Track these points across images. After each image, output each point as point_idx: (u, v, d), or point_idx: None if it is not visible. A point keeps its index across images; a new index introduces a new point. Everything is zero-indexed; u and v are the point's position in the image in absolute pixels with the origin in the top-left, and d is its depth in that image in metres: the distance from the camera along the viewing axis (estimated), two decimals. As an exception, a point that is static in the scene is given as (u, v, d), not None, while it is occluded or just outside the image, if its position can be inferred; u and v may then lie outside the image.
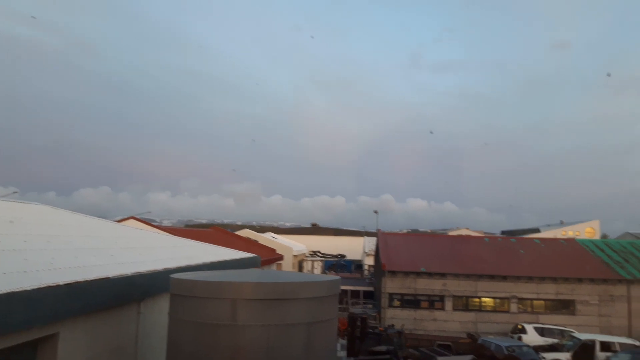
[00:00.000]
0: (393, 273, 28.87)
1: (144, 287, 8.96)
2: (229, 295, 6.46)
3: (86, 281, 6.95)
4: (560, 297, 28.46)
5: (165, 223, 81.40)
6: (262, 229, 78.54)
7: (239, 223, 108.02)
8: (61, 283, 6.34)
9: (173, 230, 28.38)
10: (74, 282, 6.62)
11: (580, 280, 28.53)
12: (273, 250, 39.87)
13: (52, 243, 8.76)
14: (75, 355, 6.95)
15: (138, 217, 33.46)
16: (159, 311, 9.64)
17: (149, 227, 27.76)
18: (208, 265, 12.39)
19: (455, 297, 28.58)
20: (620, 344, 22.37)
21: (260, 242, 44.61)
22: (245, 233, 52.04)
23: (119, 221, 26.88)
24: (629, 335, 26.38)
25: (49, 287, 6.06)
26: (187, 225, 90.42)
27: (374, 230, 50.03)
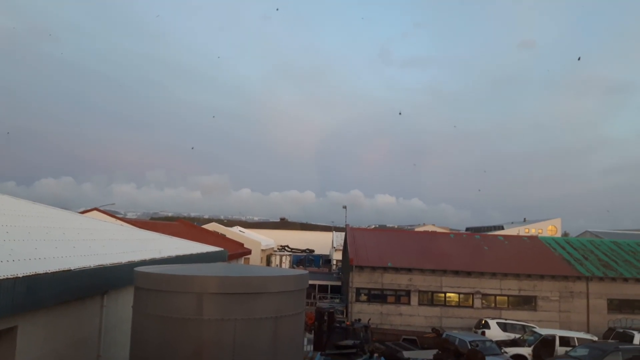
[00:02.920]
0: (360, 268, 29.07)
1: (107, 280, 8.76)
2: (195, 289, 6.37)
3: (47, 273, 6.75)
4: (523, 293, 29.16)
5: (130, 215, 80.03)
6: (229, 223, 78.05)
7: (206, 217, 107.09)
8: (20, 275, 6.14)
9: (138, 223, 27.89)
10: (34, 274, 6.42)
11: (542, 277, 29.29)
12: (241, 244, 39.62)
13: (12, 234, 8.47)
14: (34, 349, 6.75)
15: (102, 208, 32.75)
16: (123, 304, 9.45)
17: (113, 219, 27.20)
18: (174, 258, 12.21)
19: (421, 292, 28.98)
20: (579, 339, 23.08)
21: (228, 236, 44.27)
22: (212, 227, 51.61)
23: (82, 212, 26.26)
24: (587, 331, 27.27)
25: (7, 279, 5.86)
26: (152, 218, 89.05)
27: (342, 226, 50.34)
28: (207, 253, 15.52)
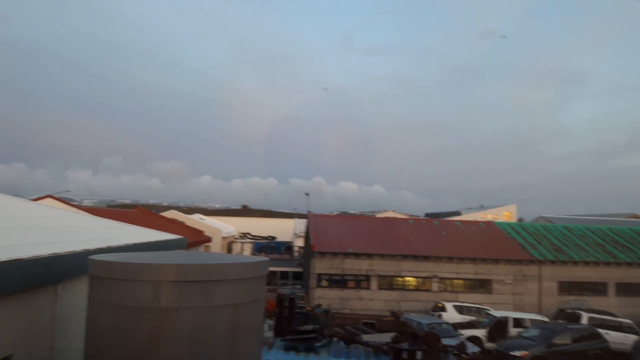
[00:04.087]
0: (322, 254, 29.29)
1: (61, 269, 8.55)
2: (152, 277, 6.28)
3: (-4, 263, 6.54)
4: (479, 276, 30.03)
5: (86, 203, 77.97)
6: (189, 211, 77.13)
7: (165, 204, 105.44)
8: (-33, 265, 5.93)
9: (94, 211, 27.21)
10: (-19, 264, 6.21)
11: (497, 261, 30.21)
12: (201, 232, 39.21)
13: (-42, 223, 8.15)
14: (-17, 341, 6.55)
15: (56, 196, 31.78)
16: (77, 294, 9.25)
17: (67, 207, 26.46)
18: (130, 246, 12.00)
19: (381, 277, 29.47)
20: (531, 320, 24.02)
21: (188, 223, 43.73)
22: (171, 214, 50.84)
23: (34, 200, 25.42)
24: (539, 312, 28.37)
25: (-47, 269, 5.65)
26: (109, 206, 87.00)
27: (305, 213, 50.40)
28: (166, 241, 15.31)
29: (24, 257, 7.39)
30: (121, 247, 11.42)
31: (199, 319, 6.34)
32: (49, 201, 28.19)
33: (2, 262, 6.71)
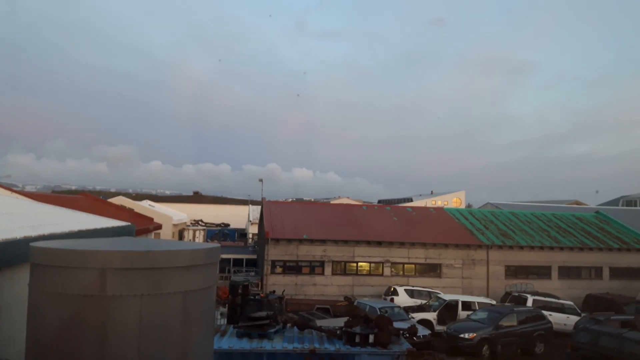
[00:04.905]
0: (276, 240, 29.21)
1: (1, 257, 8.14)
2: (97, 265, 6.04)
3: None
4: (429, 261, 30.70)
5: (29, 188, 74.83)
6: (138, 197, 75.31)
7: (113, 190, 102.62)
8: None
9: (37, 197, 26.09)
10: None
11: (446, 246, 30.95)
12: (150, 219, 38.29)
13: None
14: None
15: (-4, 181, 30.26)
16: (19, 283, 8.82)
17: (8, 193, 25.26)
18: (75, 233, 11.56)
19: (335, 262, 29.69)
20: (479, 303, 24.77)
21: (136, 210, 42.63)
22: (119, 200, 49.50)
23: (-28, 186, 24.12)
24: (487, 295, 29.34)
25: None
26: (54, 191, 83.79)
27: (259, 199, 50.08)
28: (113, 227, 14.85)
29: (-42, 245, 6.97)
30: (65, 234, 10.98)
31: (148, 307, 6.15)
32: (-13, 187, 26.80)
33: None
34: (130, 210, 39.52)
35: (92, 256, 6.09)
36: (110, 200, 47.93)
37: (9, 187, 31.37)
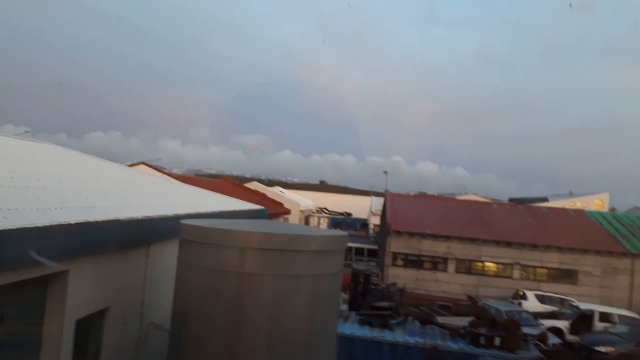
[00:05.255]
0: (398, 233, 29.08)
1: (153, 230, 9.05)
2: (238, 244, 6.51)
3: (97, 222, 7.01)
4: (564, 266, 28.64)
5: (175, 171, 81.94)
6: (270, 183, 79.03)
7: (247, 176, 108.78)
8: (72, 222, 6.40)
9: (183, 179, 28.57)
10: (84, 222, 6.68)
11: (585, 251, 28.62)
12: (281, 204, 40.15)
13: (64, 183, 8.82)
14: (84, 292, 7.09)
15: (149, 163, 33.64)
16: (167, 255, 9.77)
17: (159, 174, 27.94)
18: (217, 214, 12.48)
19: (459, 260, 28.86)
20: (619, 316, 22.63)
21: (268, 195, 44.88)
22: (253, 186, 52.37)
23: (129, 166, 27.04)
24: (629, 308, 26.63)
25: (61, 225, 6.12)
26: (196, 175, 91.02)
27: (381, 191, 50.15)
28: (249, 210, 15.80)
29: (121, 218, 7.88)
30: (208, 213, 11.91)
31: (280, 286, 6.51)
32: (142, 167, 29.93)
33: (102, 221, 7.19)
34: (263, 195, 41.75)
35: (234, 236, 6.58)
36: (245, 185, 50.96)
37: (159, 169, 34.76)
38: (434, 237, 29.03)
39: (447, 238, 29.00)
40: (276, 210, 32.33)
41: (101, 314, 7.94)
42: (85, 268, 7.11)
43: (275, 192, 53.53)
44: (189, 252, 7.00)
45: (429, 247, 29.05)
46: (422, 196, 62.45)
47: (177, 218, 9.36)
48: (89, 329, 7.69)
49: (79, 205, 7.58)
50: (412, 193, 76.36)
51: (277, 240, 6.58)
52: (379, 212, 45.31)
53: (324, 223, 59.27)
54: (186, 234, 7.12)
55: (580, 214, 35.67)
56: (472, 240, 28.93)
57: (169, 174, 31.96)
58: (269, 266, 6.45)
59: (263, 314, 6.46)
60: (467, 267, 29.02)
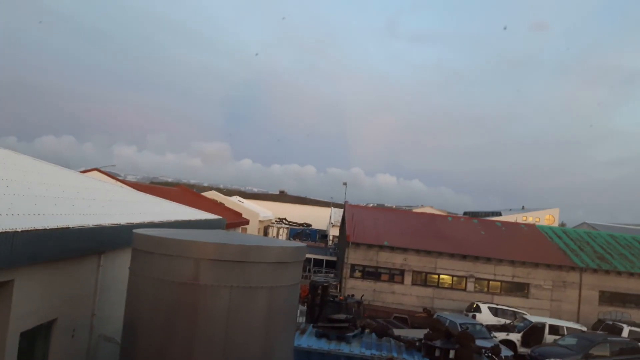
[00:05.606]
0: (357, 245, 29.21)
1: (105, 240, 8.78)
2: (192, 255, 6.37)
3: (45, 229, 6.74)
4: (516, 279, 29.37)
5: (130, 178, 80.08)
6: (229, 192, 78.24)
7: (205, 184, 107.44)
8: (19, 229, 6.13)
9: (138, 186, 27.90)
10: (32, 230, 6.41)
11: (536, 265, 29.46)
12: (239, 214, 39.75)
13: (12, 188, 8.45)
14: (30, 303, 6.79)
15: (102, 169, 32.72)
16: (119, 265, 9.49)
17: (113, 181, 27.20)
18: (172, 223, 12.23)
19: (415, 272, 29.19)
20: (568, 328, 23.33)
21: (227, 205, 44.37)
22: (211, 195, 51.71)
23: (82, 172, 26.23)
24: (577, 321, 27.53)
25: (6, 232, 5.85)
26: (152, 182, 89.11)
27: (341, 202, 50.35)
28: (206, 220, 15.55)
29: (71, 226, 7.60)
30: (163, 223, 11.65)
31: (236, 298, 6.40)
32: (95, 174, 29.06)
33: (51, 229, 6.92)
34: (221, 205, 41.23)
35: (188, 246, 6.43)
36: (203, 194, 50.22)
37: (113, 176, 33.81)
38: (392, 249, 29.29)
39: (404, 250, 29.32)
40: (234, 220, 31.97)
41: (48, 325, 7.62)
42: (32, 278, 6.82)
43: (234, 202, 52.97)
44: (142, 263, 6.80)
45: (386, 259, 29.28)
46: (380, 208, 63.08)
47: (130, 227, 9.12)
48: (34, 342, 7.37)
49: (26, 212, 7.26)
50: (370, 205, 77.08)
51: (233, 251, 6.47)
52: (338, 224, 45.44)
53: (283, 234, 58.94)
54: (139, 243, 6.92)
55: (531, 229, 36.75)
56: (428, 253, 29.34)
57: (123, 181, 31.16)
58: (225, 278, 6.33)
59: (218, 327, 6.33)
60: (422, 279, 29.38)
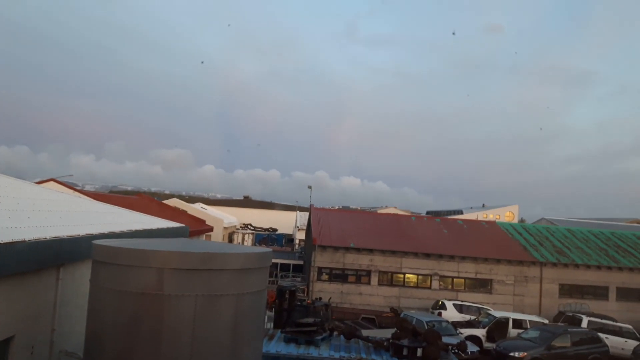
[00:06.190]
0: (323, 248, 29.24)
1: (64, 252, 8.51)
2: (155, 264, 6.23)
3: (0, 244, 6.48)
4: (479, 276, 29.96)
5: (89, 188, 78.17)
6: (191, 199, 77.24)
7: (167, 192, 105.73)
8: (-30, 245, 5.88)
9: (96, 196, 27.21)
10: (-16, 245, 6.16)
11: (498, 261, 30.12)
12: (203, 221, 39.23)
13: (-39, 202, 8.10)
14: (-16, 321, 6.52)
15: (59, 179, 31.77)
16: (79, 278, 9.22)
17: (70, 191, 26.44)
18: (133, 233, 11.96)
19: (381, 273, 29.44)
20: (531, 322, 23.94)
21: (189, 212, 43.73)
22: (173, 202, 50.90)
23: (38, 183, 25.41)
24: (539, 314, 28.29)
25: (-44, 248, 5.60)
26: (111, 191, 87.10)
27: (306, 206, 50.35)
28: (168, 228, 15.27)
29: (27, 239, 7.34)
30: (124, 233, 11.38)
31: (202, 307, 6.29)
32: (52, 185, 28.19)
33: (5, 243, 6.66)
34: (184, 212, 40.60)
35: (151, 256, 6.29)
36: (165, 201, 49.38)
37: (70, 186, 32.90)
38: (358, 250, 29.45)
39: (370, 251, 29.52)
40: (198, 227, 31.54)
41: (5, 343, 7.33)
42: (-14, 294, 6.54)
43: (197, 209, 52.29)
44: (103, 274, 6.61)
45: (352, 261, 29.42)
46: (345, 210, 63.38)
47: (89, 238, 8.88)
48: (-11, 361, 7.07)
49: (-22, 227, 6.97)
50: (336, 207, 77.33)
51: (197, 259, 6.36)
52: (304, 227, 45.42)
53: (248, 239, 58.52)
54: (99, 255, 6.73)
55: (492, 226, 37.61)
56: (394, 253, 29.64)
57: (82, 191, 30.34)
58: (189, 287, 6.22)
59: (183, 337, 6.21)
60: (389, 279, 29.64)
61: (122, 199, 33.83)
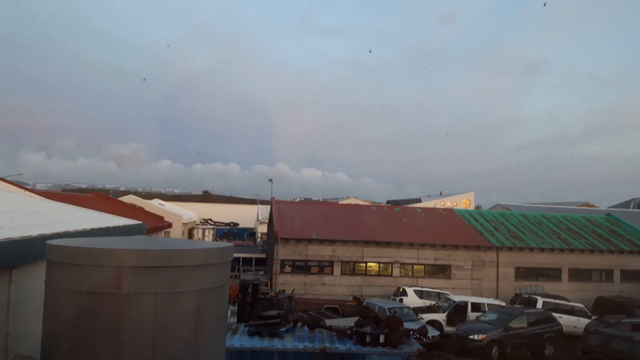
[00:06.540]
0: (286, 240, 29.26)
1: (16, 254, 8.24)
2: (112, 263, 6.10)
3: (-55, 248, 6.22)
4: (438, 262, 30.63)
5: (40, 187, 75.53)
6: (148, 196, 75.75)
7: (122, 189, 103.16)
8: None
9: (49, 195, 26.33)
10: None
11: (456, 247, 30.85)
12: (161, 217, 38.55)
13: None
14: None
15: (8, 179, 30.57)
16: (33, 280, 8.95)
17: (21, 191, 25.51)
18: (88, 231, 11.67)
19: (344, 263, 29.70)
20: (489, 305, 24.67)
21: (147, 209, 42.91)
22: (129, 199, 49.77)
23: (-14, 184, 24.40)
24: (497, 297, 29.19)
25: None
26: (64, 190, 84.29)
27: (268, 199, 50.22)
28: (125, 226, 14.97)
29: (-24, 242, 7.07)
30: (79, 232, 11.10)
31: (162, 305, 6.20)
32: (1, 185, 27.10)
33: (-48, 247, 6.40)
34: (141, 209, 39.79)
35: (107, 254, 6.16)
36: (120, 198, 48.24)
37: (21, 185, 31.71)
38: (320, 241, 29.61)
39: (332, 242, 29.73)
40: (156, 224, 30.98)
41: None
42: None
43: (154, 205, 51.32)
44: (58, 275, 6.43)
45: (315, 252, 29.56)
46: (307, 202, 63.53)
47: (43, 238, 8.62)
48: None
49: None
50: (297, 199, 77.42)
51: (156, 256, 6.26)
52: (266, 221, 45.28)
53: (209, 235, 57.85)
54: (53, 255, 6.54)
55: (449, 213, 38.46)
56: (355, 242, 29.94)
57: (33, 190, 29.29)
58: (148, 285, 6.12)
59: (144, 336, 6.12)
60: (351, 268, 29.96)
61: (76, 197, 32.84)
